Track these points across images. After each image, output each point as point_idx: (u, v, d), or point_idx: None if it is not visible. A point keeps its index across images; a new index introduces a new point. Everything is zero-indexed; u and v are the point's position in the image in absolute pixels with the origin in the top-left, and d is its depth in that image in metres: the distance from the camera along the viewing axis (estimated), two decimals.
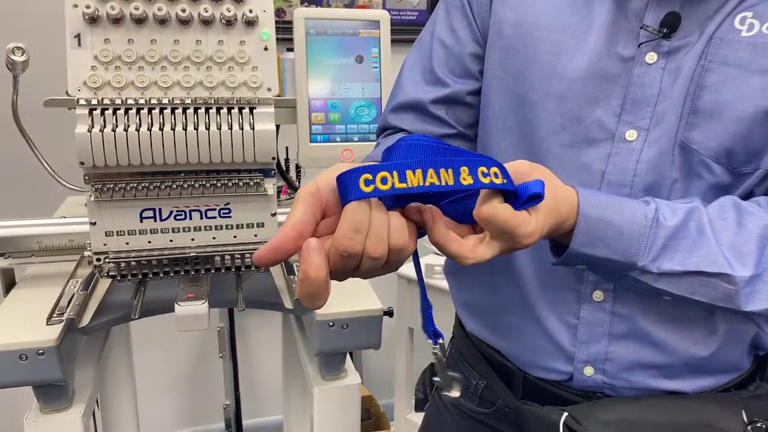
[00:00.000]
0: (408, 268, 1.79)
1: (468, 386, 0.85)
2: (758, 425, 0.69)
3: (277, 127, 1.27)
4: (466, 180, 0.47)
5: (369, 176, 0.46)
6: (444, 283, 1.66)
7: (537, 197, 0.51)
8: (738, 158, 0.65)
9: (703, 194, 0.67)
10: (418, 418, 1.76)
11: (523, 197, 0.51)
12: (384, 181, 0.46)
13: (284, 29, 1.09)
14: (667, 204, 0.63)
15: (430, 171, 0.46)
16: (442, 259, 1.81)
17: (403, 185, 0.46)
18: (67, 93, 0.96)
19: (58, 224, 1.06)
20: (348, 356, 1.13)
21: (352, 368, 1.12)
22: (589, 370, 0.72)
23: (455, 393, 0.60)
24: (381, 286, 2.30)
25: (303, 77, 1.09)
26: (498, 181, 0.48)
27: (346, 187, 0.46)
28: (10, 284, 1.06)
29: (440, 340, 0.57)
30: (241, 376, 2.04)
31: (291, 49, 1.14)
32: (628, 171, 0.67)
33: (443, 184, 0.47)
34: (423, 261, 1.81)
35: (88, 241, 0.92)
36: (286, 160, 1.51)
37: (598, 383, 0.72)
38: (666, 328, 0.69)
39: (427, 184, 0.46)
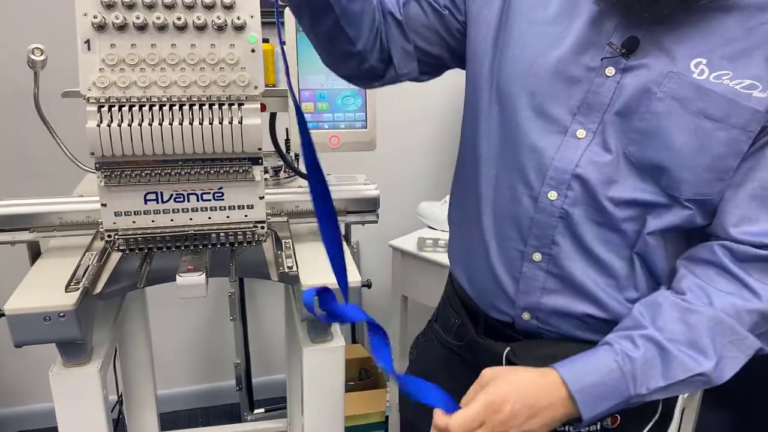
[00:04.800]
0: (401, 241, 1.90)
1: (449, 324, 1.01)
2: None
3: (274, 114, 1.38)
4: None
5: None
6: (434, 255, 1.78)
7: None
8: (665, 182, 0.74)
9: (640, 204, 0.76)
10: None
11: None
12: None
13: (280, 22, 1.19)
14: (623, 337, 0.74)
15: None
16: (433, 233, 1.92)
17: None
18: None
19: (76, 202, 1.16)
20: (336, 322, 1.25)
21: (339, 332, 1.23)
22: (526, 316, 0.85)
23: None
24: (376, 257, 2.44)
25: (293, 70, 1.19)
26: None
27: None
28: (35, 255, 1.17)
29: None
30: (251, 338, 2.17)
31: (284, 43, 1.24)
32: (572, 161, 0.78)
33: None
34: (416, 234, 1.92)
35: (101, 219, 1.05)
36: (287, 141, 1.62)
37: (533, 327, 0.86)
38: (591, 287, 0.81)
39: None
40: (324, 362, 1.19)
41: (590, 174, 0.77)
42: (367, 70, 0.91)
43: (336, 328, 1.24)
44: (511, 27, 0.83)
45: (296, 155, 1.58)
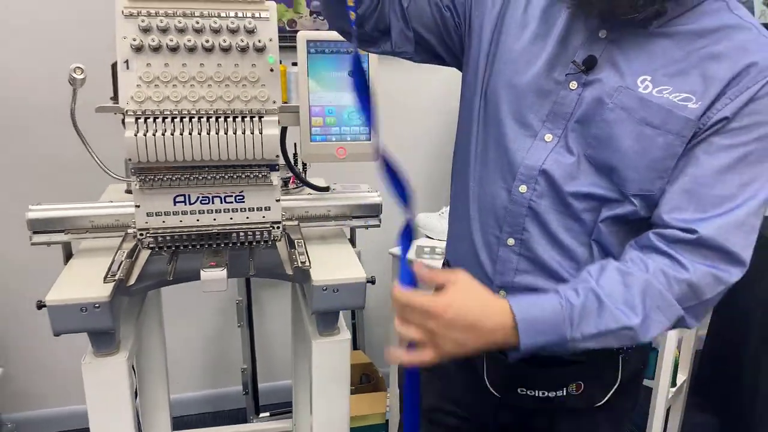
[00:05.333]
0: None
1: None
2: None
3: (285, 128, 1.50)
4: None
5: None
6: (431, 262, 1.89)
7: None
8: (615, 179, 0.87)
9: (596, 197, 0.89)
10: None
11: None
12: None
13: (292, 47, 1.31)
14: (570, 288, 0.84)
15: None
16: (431, 242, 2.04)
17: None
18: (111, 99, 1.19)
19: (106, 207, 1.27)
20: (341, 317, 1.35)
21: (344, 327, 1.33)
22: (502, 293, 0.97)
23: None
24: (378, 264, 2.56)
25: (304, 88, 1.31)
26: None
27: None
28: (68, 255, 1.27)
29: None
30: (257, 344, 2.25)
31: (295, 64, 1.36)
32: (540, 160, 0.91)
33: None
34: (414, 243, 2.04)
35: (132, 221, 1.16)
36: (295, 155, 1.73)
37: None
38: (556, 268, 0.93)
39: None
40: (332, 353, 1.29)
41: (555, 171, 0.90)
42: (361, 33, 1.02)
43: (342, 323, 1.35)
44: (503, 42, 0.96)
45: (304, 165, 1.70)
